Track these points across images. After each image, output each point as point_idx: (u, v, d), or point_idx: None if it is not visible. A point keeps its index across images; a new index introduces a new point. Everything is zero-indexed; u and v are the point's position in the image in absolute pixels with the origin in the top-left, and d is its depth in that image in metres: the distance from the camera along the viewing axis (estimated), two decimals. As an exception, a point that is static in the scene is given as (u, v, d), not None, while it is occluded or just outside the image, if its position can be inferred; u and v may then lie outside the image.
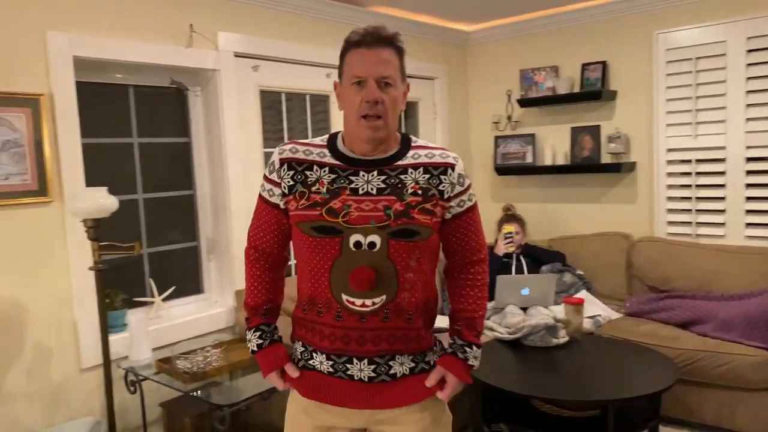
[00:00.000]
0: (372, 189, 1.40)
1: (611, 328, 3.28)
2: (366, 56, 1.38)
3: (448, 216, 1.48)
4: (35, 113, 2.39)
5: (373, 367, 1.44)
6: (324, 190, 1.41)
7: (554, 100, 4.09)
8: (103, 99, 2.79)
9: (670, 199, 3.78)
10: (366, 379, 1.44)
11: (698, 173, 3.65)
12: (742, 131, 3.47)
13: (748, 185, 3.49)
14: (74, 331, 2.54)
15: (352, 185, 1.40)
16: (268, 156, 3.28)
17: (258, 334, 1.54)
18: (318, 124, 3.70)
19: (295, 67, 3.38)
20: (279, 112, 3.44)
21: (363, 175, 1.42)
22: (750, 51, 3.41)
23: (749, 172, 3.49)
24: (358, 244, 1.37)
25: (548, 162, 4.20)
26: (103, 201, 2.29)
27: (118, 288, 2.80)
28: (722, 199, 3.57)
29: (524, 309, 3.34)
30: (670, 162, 3.76)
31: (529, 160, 4.30)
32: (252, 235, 1.56)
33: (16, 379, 2.37)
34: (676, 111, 3.69)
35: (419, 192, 1.41)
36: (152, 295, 2.92)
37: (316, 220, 1.39)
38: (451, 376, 1.48)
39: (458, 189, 1.47)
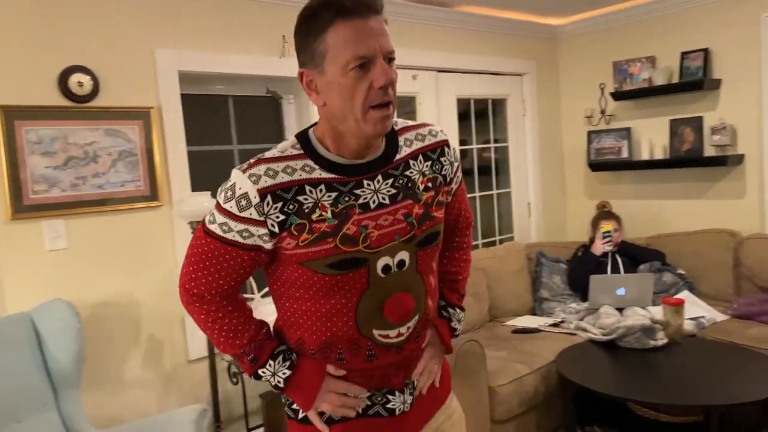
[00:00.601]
0: (384, 198, 1.14)
1: (716, 331, 3.10)
2: (364, 28, 1.03)
3: (449, 200, 1.30)
4: (146, 125, 2.61)
5: (408, 389, 1.27)
6: (328, 215, 1.09)
7: (651, 92, 3.90)
8: (205, 109, 3.00)
9: (783, 193, 3.51)
10: (407, 409, 1.26)
11: (816, 164, 3.37)
12: None
13: None
14: (182, 325, 2.74)
15: (360, 200, 1.12)
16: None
17: (281, 358, 1.20)
18: (406, 126, 3.75)
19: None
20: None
21: (368, 185, 1.13)
22: None
23: None
24: (386, 268, 1.13)
25: (645, 157, 4.02)
26: (207, 205, 2.46)
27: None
28: None
29: (620, 310, 3.23)
30: (783, 153, 3.49)
31: (624, 155, 4.13)
32: (196, 281, 1.16)
33: (133, 368, 2.60)
34: (789, 98, 3.42)
35: (429, 185, 1.20)
36: (252, 292, 3.10)
37: (330, 255, 1.09)
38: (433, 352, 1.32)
39: (455, 165, 1.28)
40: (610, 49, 4.21)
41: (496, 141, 4.30)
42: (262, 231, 1.09)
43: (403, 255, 1.16)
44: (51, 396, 2.15)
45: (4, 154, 2.26)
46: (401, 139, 1.21)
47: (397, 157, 1.19)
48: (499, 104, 4.29)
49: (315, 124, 1.18)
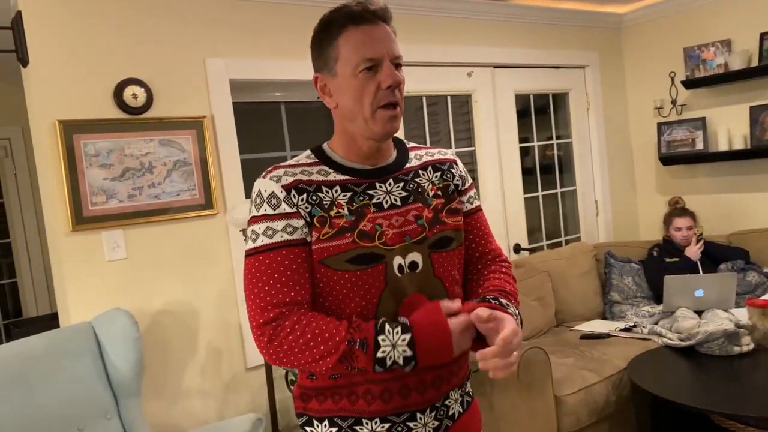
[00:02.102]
0: (396, 200, 1.18)
1: (811, 335, 2.81)
2: (375, 33, 1.12)
3: (465, 208, 1.29)
4: (199, 134, 2.63)
5: (434, 414, 1.18)
6: (345, 211, 1.13)
7: (727, 77, 3.64)
8: (256, 117, 3.00)
9: None
10: None
11: None
12: None
13: None
14: (240, 333, 2.74)
15: (374, 200, 1.16)
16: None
17: (388, 327, 1.07)
18: (464, 125, 3.65)
19: (434, 69, 3.37)
20: (420, 117, 3.46)
21: (380, 187, 1.18)
22: None
23: None
24: (400, 268, 1.14)
25: (723, 148, 3.74)
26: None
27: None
28: None
29: (699, 313, 3.00)
30: None
31: (699, 146, 3.86)
32: (266, 305, 1.09)
33: (192, 376, 2.62)
34: None
35: (439, 193, 1.24)
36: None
37: (350, 250, 1.11)
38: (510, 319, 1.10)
39: (467, 184, 1.31)
40: (679, 34, 3.95)
41: (558, 137, 4.12)
42: (301, 222, 1.12)
43: (415, 257, 1.16)
44: (112, 404, 2.19)
45: (64, 167, 2.33)
46: (412, 154, 1.28)
47: (407, 165, 1.25)
48: (560, 99, 4.11)
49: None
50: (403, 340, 1.06)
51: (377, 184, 1.18)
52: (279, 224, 1.11)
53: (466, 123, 3.66)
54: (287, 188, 1.13)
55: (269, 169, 1.18)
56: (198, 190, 2.64)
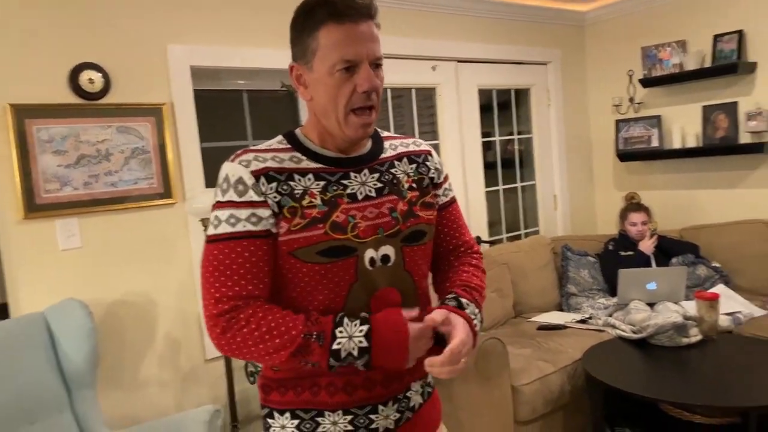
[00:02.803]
0: (370, 191, 1.15)
1: (754, 327, 2.94)
2: (355, 33, 1.07)
3: (438, 202, 1.28)
4: (158, 121, 2.57)
5: (396, 406, 1.18)
6: (318, 201, 1.10)
7: (682, 77, 3.74)
8: (218, 105, 2.96)
9: (825, 180, 3.33)
10: (392, 426, 1.18)
11: None
12: None
13: None
14: (199, 324, 2.71)
15: (348, 190, 1.13)
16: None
17: (346, 320, 1.07)
18: (428, 119, 3.67)
19: (399, 62, 3.37)
20: (385, 109, 3.46)
21: (355, 177, 1.15)
22: None
23: None
24: (372, 261, 1.12)
25: (677, 145, 3.85)
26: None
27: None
28: None
29: (651, 305, 3.10)
30: (824, 138, 3.30)
31: (655, 144, 3.97)
32: (222, 296, 1.06)
33: (149, 367, 2.58)
34: (831, 80, 3.24)
35: (414, 185, 1.21)
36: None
37: (321, 242, 1.08)
38: (457, 316, 1.13)
39: (443, 175, 1.30)
40: (638, 34, 4.05)
41: (519, 132, 4.18)
42: (267, 212, 1.08)
43: (388, 249, 1.14)
44: (65, 396, 2.13)
45: (16, 153, 2.25)
46: (387, 143, 1.25)
47: (383, 156, 1.22)
48: (522, 94, 4.17)
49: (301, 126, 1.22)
50: (360, 331, 1.06)
51: (352, 174, 1.15)
52: (244, 213, 1.07)
53: (430, 116, 3.68)
54: (256, 175, 1.08)
55: (239, 152, 1.13)
56: (156, 178, 2.59)
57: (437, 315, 1.10)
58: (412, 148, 1.28)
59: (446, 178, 1.32)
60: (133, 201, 2.52)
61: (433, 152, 1.31)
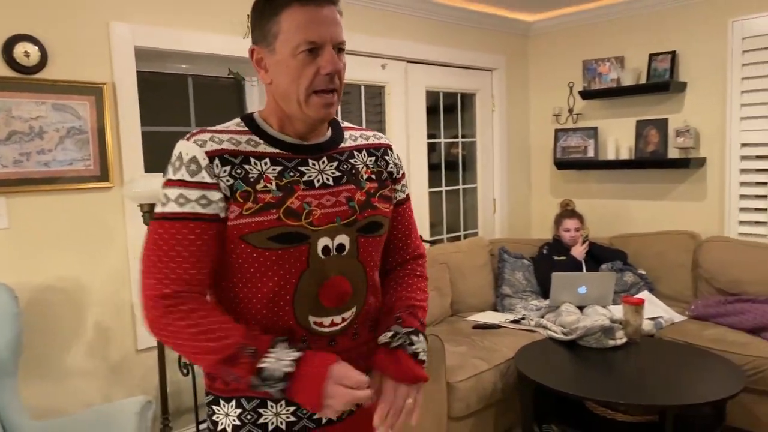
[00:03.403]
0: (328, 179, 1.14)
1: (674, 331, 3.12)
2: (318, 15, 1.06)
3: (395, 198, 1.29)
4: (98, 101, 2.47)
5: None
6: (273, 186, 1.08)
7: (619, 92, 3.92)
8: (162, 88, 2.87)
9: (743, 197, 3.56)
10: (336, 419, 1.17)
11: (775, 170, 3.42)
12: (825, 125, 3.22)
13: (832, 183, 3.24)
14: (131, 313, 2.62)
15: (305, 177, 1.12)
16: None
17: (283, 344, 1.07)
18: (376, 117, 3.69)
19: (349, 57, 3.36)
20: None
21: (313, 164, 1.14)
22: (837, 38, 3.16)
23: (833, 170, 3.24)
24: (326, 249, 1.11)
25: (611, 157, 4.03)
26: (159, 187, 2.34)
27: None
28: (801, 198, 3.33)
29: (581, 308, 3.23)
30: (744, 158, 3.53)
31: (590, 154, 4.14)
32: (162, 280, 1.04)
33: (77, 356, 2.48)
34: (751, 104, 3.46)
35: (373, 177, 1.21)
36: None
37: (274, 227, 1.06)
38: (402, 386, 1.16)
39: (401, 171, 1.30)
40: (579, 47, 4.21)
41: (464, 136, 4.26)
42: (218, 195, 1.06)
43: (343, 239, 1.14)
44: (-16, 385, 2.02)
45: (-60, 125, 2.11)
46: (347, 134, 1.24)
47: (342, 145, 1.21)
48: (468, 99, 4.25)
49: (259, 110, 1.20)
50: (291, 357, 1.04)
51: (310, 161, 1.14)
52: (194, 193, 1.05)
53: (378, 114, 3.70)
54: (211, 156, 1.06)
55: (195, 131, 1.10)
56: (93, 160, 2.49)
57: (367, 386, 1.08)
58: (372, 140, 1.27)
59: (403, 176, 1.32)
60: (66, 182, 2.41)
61: (392, 147, 1.32)
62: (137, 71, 2.60)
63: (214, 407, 1.17)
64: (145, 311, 1.06)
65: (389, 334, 1.19)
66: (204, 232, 1.05)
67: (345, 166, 1.18)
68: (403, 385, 1.16)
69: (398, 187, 1.29)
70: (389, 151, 1.29)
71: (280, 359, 1.04)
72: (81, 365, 2.49)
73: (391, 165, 1.27)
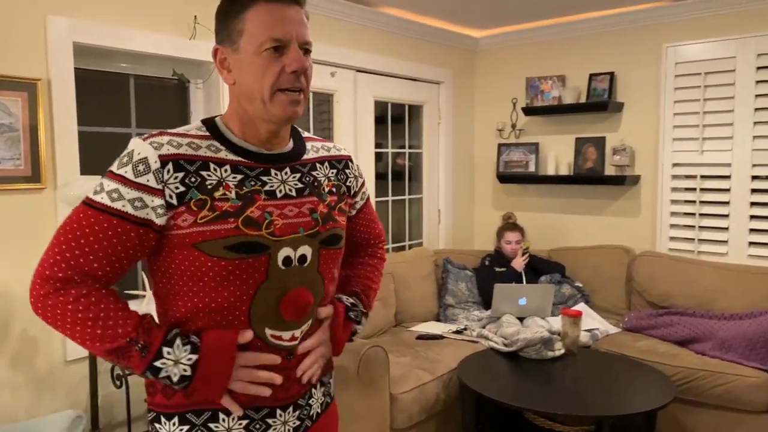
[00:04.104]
0: (290, 190, 1.12)
1: (609, 343, 3.23)
2: (284, 14, 1.05)
3: (352, 213, 1.32)
4: (31, 98, 2.35)
5: (297, 413, 1.16)
6: (232, 195, 1.05)
7: (560, 109, 4.04)
8: (102, 87, 2.75)
9: (673, 214, 3.73)
10: None
11: (703, 189, 3.60)
12: (748, 149, 3.42)
13: (753, 204, 3.44)
14: (61, 322, 2.48)
15: (267, 187, 1.09)
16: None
17: (179, 341, 1.04)
18: (322, 123, 3.66)
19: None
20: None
21: (275, 174, 1.12)
22: (760, 68, 3.37)
23: (754, 191, 3.44)
24: (287, 260, 1.08)
25: (551, 172, 4.15)
26: (96, 190, 2.24)
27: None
28: (726, 216, 3.52)
29: (521, 319, 3.30)
30: (675, 177, 3.71)
31: (531, 169, 4.25)
32: (63, 263, 1.00)
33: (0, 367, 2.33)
34: (683, 125, 3.65)
35: (333, 190, 1.22)
36: (144, 289, 2.88)
37: (231, 236, 1.03)
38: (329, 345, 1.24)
39: (360, 181, 1.32)
40: (523, 65, 4.33)
41: (411, 147, 4.29)
42: (158, 202, 1.01)
43: (306, 250, 1.12)
44: None
45: None
46: (308, 145, 1.23)
47: (305, 156, 1.20)
48: (415, 110, 4.29)
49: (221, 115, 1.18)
50: (189, 359, 1.02)
51: (273, 171, 1.12)
52: (130, 193, 1.01)
53: (326, 121, 3.67)
54: (164, 160, 1.02)
55: (154, 132, 1.07)
56: (24, 160, 2.35)
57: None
58: (333, 152, 1.27)
59: (363, 184, 1.35)
60: (-7, 182, 2.27)
61: (352, 159, 1.32)
62: (75, 68, 2.48)
63: (157, 425, 1.11)
64: (31, 288, 1.03)
65: (352, 300, 1.29)
66: (125, 233, 1.01)
67: (307, 178, 1.17)
68: (330, 346, 1.23)
69: (357, 198, 1.32)
70: (349, 164, 1.29)
71: (177, 362, 1.02)
72: (4, 377, 2.34)
73: (350, 178, 1.28)
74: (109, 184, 1.02)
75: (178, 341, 1.03)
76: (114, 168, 1.03)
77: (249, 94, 1.07)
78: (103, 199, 1.01)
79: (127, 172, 1.01)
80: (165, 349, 1.01)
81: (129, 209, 1.00)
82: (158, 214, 1.02)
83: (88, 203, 1.02)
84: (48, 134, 2.41)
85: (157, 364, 1.01)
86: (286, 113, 1.07)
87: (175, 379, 1.02)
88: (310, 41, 1.09)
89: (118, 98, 2.82)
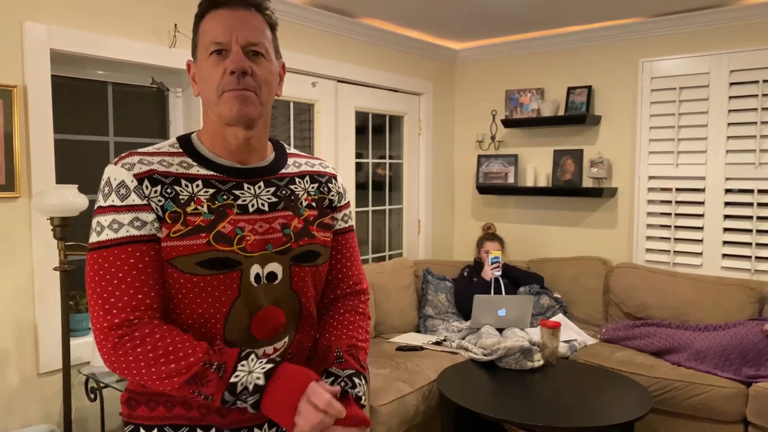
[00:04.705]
0: (263, 204, 1.11)
1: (587, 354, 3.25)
2: (228, 18, 1.06)
3: (336, 226, 1.25)
4: (7, 105, 2.30)
5: (274, 429, 1.14)
6: (204, 209, 1.05)
7: (538, 122, 4.09)
8: (80, 95, 2.71)
9: (649, 226, 3.79)
10: None
11: (678, 202, 3.67)
12: (722, 162, 3.49)
13: (726, 216, 3.51)
14: (34, 333, 2.43)
15: (239, 201, 1.08)
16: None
17: (253, 356, 1.02)
18: (303, 133, 3.65)
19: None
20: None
21: (248, 188, 1.11)
22: (732, 84, 3.45)
23: (727, 204, 3.51)
24: (257, 277, 1.07)
25: (530, 183, 4.19)
26: (72, 199, 2.21)
27: (84, 290, 2.70)
28: (700, 228, 3.59)
29: (500, 330, 3.31)
30: (651, 189, 3.77)
31: (511, 180, 4.29)
32: (110, 308, 1.00)
33: (-32, 381, 2.26)
34: (658, 139, 3.71)
35: (313, 204, 1.18)
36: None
37: (203, 252, 1.02)
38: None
39: (344, 201, 1.27)
40: (503, 77, 4.37)
41: (391, 157, 4.30)
42: (152, 216, 1.03)
43: (275, 267, 1.09)
44: None
45: None
46: (291, 160, 1.22)
47: (283, 171, 1.18)
48: (396, 121, 4.30)
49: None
50: (263, 368, 1.00)
51: (245, 185, 1.11)
52: (126, 217, 1.02)
53: (306, 131, 3.66)
54: (139, 177, 1.03)
55: (123, 154, 1.07)
56: (-2, 168, 2.30)
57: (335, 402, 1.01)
58: (317, 168, 1.25)
59: (347, 205, 1.29)
60: (-34, 191, 2.22)
61: (338, 177, 1.29)
62: (52, 75, 2.44)
63: None
64: (98, 347, 1.01)
65: (329, 381, 1.13)
66: (144, 254, 1.01)
67: (283, 192, 1.15)
68: (353, 429, 1.07)
69: (339, 216, 1.25)
70: (333, 180, 1.26)
71: (251, 371, 1.00)
72: (-27, 391, 2.28)
73: (333, 193, 1.24)
74: (106, 219, 1.03)
75: (253, 356, 1.02)
76: (101, 202, 1.04)
77: (206, 102, 1.10)
78: (108, 235, 1.01)
79: (114, 200, 1.03)
80: (240, 364, 1.00)
81: (133, 232, 1.01)
82: (156, 228, 1.03)
83: (97, 247, 1.02)
84: (23, 142, 2.36)
85: (233, 379, 0.98)
86: (232, 112, 1.05)
87: (250, 388, 0.98)
88: (256, 42, 1.07)
89: (96, 106, 2.79)
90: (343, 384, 1.12)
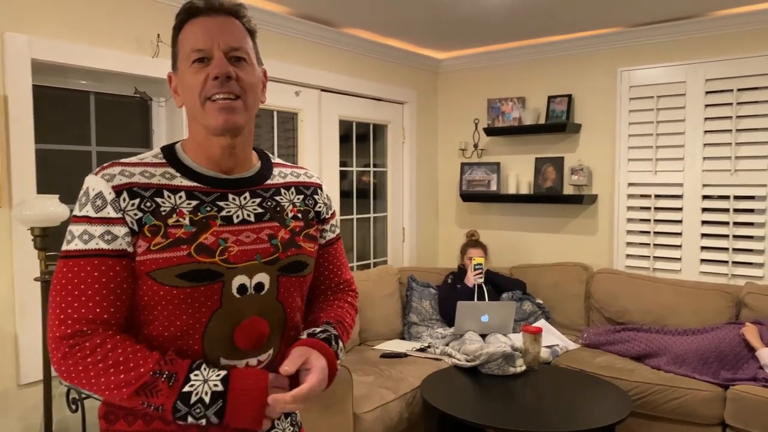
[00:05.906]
0: (249, 215, 1.10)
1: (568, 359, 3.29)
2: (208, 25, 1.06)
3: (321, 242, 1.26)
4: (-13, 115, 2.30)
5: None
6: (186, 221, 1.04)
7: (520, 130, 4.14)
8: (62, 104, 2.71)
9: (629, 232, 3.84)
10: None
11: (657, 208, 3.73)
12: (699, 169, 3.56)
13: (704, 222, 3.57)
14: (14, 344, 2.42)
15: (223, 213, 1.07)
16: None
17: (204, 365, 1.03)
18: (287, 141, 3.67)
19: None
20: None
21: (233, 199, 1.10)
22: (708, 92, 3.52)
23: (705, 210, 3.57)
24: (242, 288, 1.06)
25: (512, 191, 4.24)
26: (53, 209, 2.20)
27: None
28: (679, 234, 3.65)
29: (483, 336, 3.33)
30: (630, 196, 3.83)
31: (493, 188, 4.33)
32: (66, 318, 0.99)
33: (-53, 393, 2.24)
34: (637, 146, 3.78)
35: (299, 215, 1.18)
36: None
37: (183, 264, 1.01)
38: (320, 357, 1.09)
39: (330, 211, 1.27)
40: (485, 86, 4.43)
41: (375, 165, 4.33)
42: (124, 230, 1.02)
43: (263, 277, 1.09)
44: None
45: None
46: (276, 170, 1.21)
47: (269, 181, 1.17)
48: (380, 129, 4.33)
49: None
50: (218, 375, 1.00)
51: (230, 196, 1.10)
52: (98, 229, 1.01)
53: (290, 140, 3.68)
54: (117, 190, 1.02)
55: (105, 165, 1.06)
56: (-22, 178, 2.29)
57: (293, 362, 1.06)
58: (302, 179, 1.24)
59: (333, 215, 1.29)
60: (-55, 201, 2.21)
61: (323, 187, 1.29)
62: (34, 85, 2.44)
63: None
64: (51, 355, 1.00)
65: (319, 329, 1.16)
66: (110, 269, 1.01)
67: (269, 203, 1.14)
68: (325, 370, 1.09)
69: (327, 227, 1.26)
70: (319, 191, 1.25)
71: (206, 380, 0.99)
72: (-48, 403, 2.26)
73: (319, 204, 1.24)
74: (78, 229, 1.02)
75: (204, 366, 1.01)
76: (77, 211, 1.04)
77: (190, 111, 1.09)
78: (77, 245, 1.01)
79: (89, 210, 1.02)
80: (192, 374, 0.99)
81: (103, 245, 1.01)
82: (128, 243, 1.02)
83: (65, 255, 1.02)
84: (4, 152, 2.35)
85: (186, 389, 0.98)
86: (218, 122, 1.05)
87: (207, 399, 0.98)
88: (238, 46, 1.08)
89: (78, 115, 2.78)
90: (329, 335, 1.14)
